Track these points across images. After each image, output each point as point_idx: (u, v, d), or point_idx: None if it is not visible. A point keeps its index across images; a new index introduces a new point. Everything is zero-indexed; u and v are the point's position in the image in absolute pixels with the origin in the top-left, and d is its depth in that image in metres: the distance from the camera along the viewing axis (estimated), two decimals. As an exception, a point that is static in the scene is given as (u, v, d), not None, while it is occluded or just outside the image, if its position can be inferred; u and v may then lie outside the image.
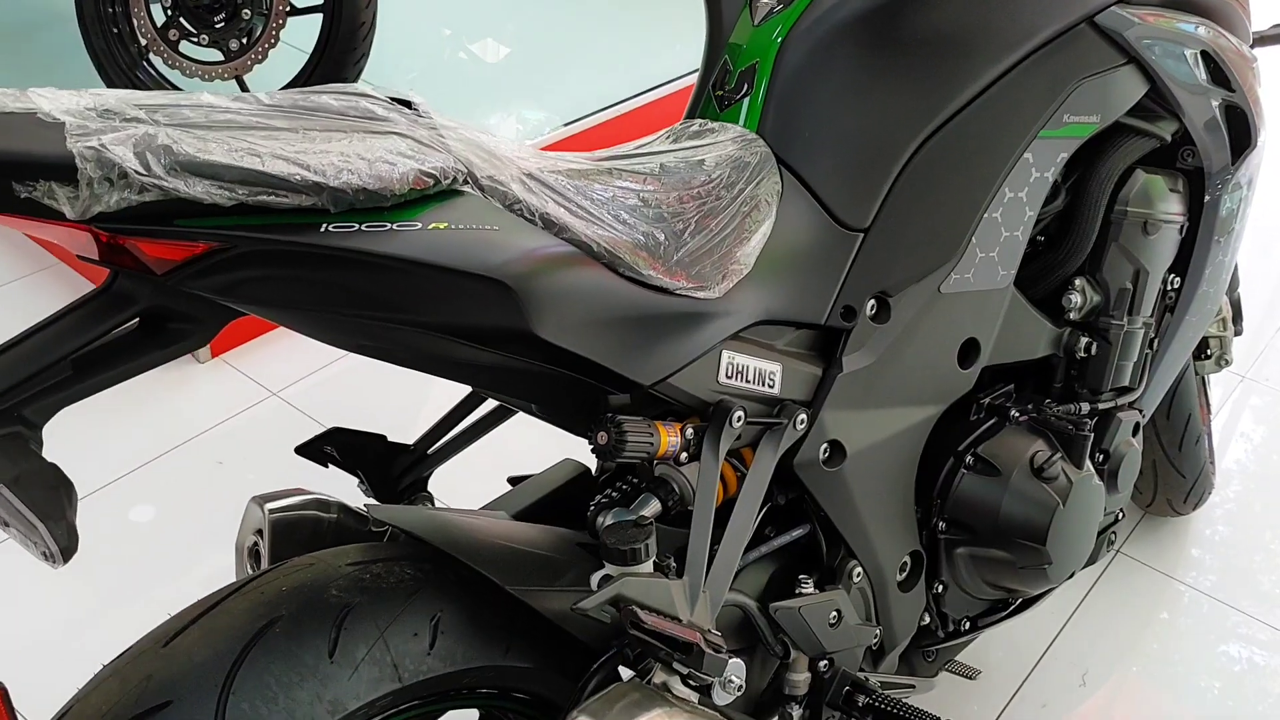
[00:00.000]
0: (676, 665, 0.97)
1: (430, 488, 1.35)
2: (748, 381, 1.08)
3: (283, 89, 0.88)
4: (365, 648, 0.93)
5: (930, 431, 1.25)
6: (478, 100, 3.41)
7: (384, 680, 0.94)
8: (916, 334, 1.18)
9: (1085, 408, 1.36)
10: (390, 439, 1.30)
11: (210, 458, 2.17)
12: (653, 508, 1.12)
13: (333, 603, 0.95)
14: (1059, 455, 1.29)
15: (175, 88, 3.00)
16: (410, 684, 0.95)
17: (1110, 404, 1.40)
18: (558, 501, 1.27)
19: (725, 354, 1.06)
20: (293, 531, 1.20)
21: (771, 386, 1.10)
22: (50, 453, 0.79)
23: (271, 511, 1.20)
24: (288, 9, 2.88)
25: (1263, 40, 1.55)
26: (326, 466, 1.28)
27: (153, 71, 2.94)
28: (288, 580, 0.97)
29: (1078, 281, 1.35)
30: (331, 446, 1.26)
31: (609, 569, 0.98)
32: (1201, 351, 1.83)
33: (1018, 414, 1.31)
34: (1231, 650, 1.84)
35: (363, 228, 0.79)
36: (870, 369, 1.15)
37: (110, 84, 2.95)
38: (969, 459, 1.28)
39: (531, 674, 1.04)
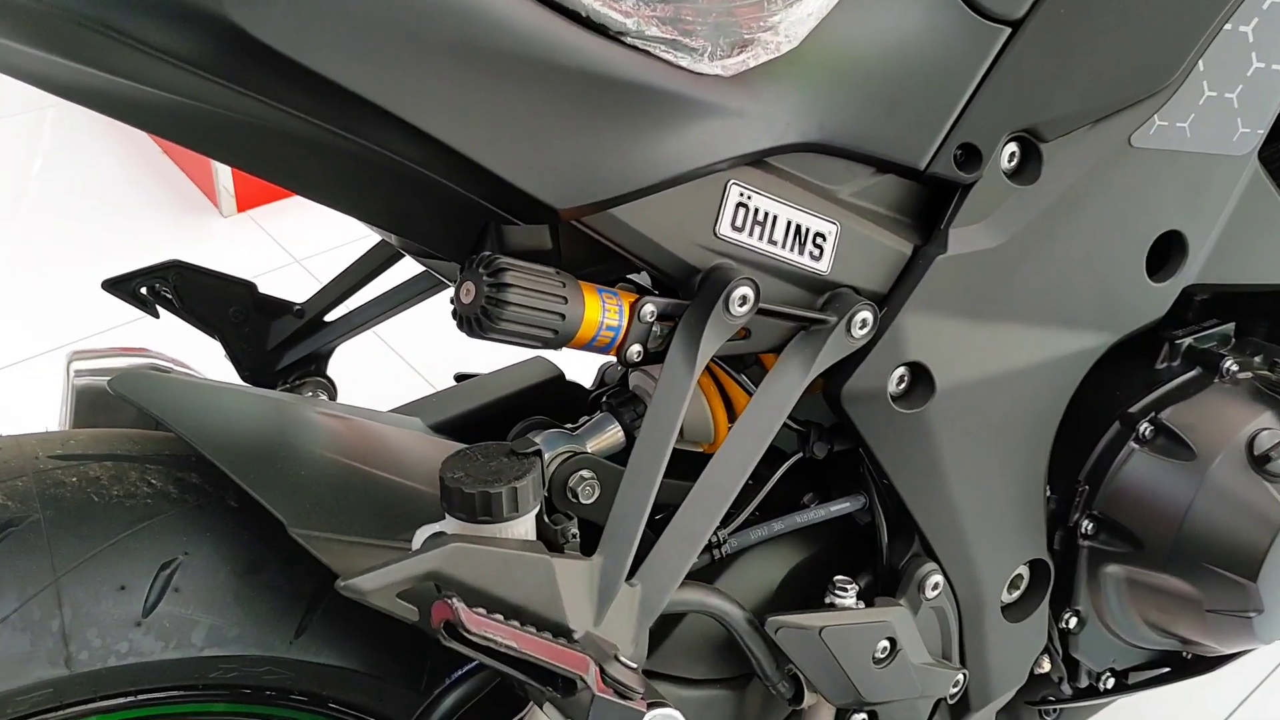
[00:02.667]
0: (548, 708, 0.55)
1: (339, 372, 0.96)
2: (772, 242, 0.67)
3: None
4: (16, 600, 0.55)
5: (1085, 374, 0.85)
6: None
7: (36, 660, 0.56)
8: (1081, 210, 0.78)
9: None
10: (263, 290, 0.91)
11: (214, 320, 1.91)
12: (607, 436, 0.75)
13: (-13, 516, 0.57)
14: (1299, 440, 0.89)
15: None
16: (88, 671, 0.57)
17: None
18: (507, 414, 0.89)
19: (734, 188, 0.66)
20: (107, 405, 0.83)
21: (817, 258, 0.70)
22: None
23: (78, 374, 0.84)
24: None
25: None
26: (158, 316, 0.90)
27: None
28: (-64, 471, 0.60)
29: None
30: (168, 286, 0.87)
31: (447, 522, 0.56)
32: None
33: (1235, 367, 0.92)
34: None
35: None
36: (994, 255, 0.75)
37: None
38: (1145, 427, 0.89)
39: (347, 679, 0.64)
